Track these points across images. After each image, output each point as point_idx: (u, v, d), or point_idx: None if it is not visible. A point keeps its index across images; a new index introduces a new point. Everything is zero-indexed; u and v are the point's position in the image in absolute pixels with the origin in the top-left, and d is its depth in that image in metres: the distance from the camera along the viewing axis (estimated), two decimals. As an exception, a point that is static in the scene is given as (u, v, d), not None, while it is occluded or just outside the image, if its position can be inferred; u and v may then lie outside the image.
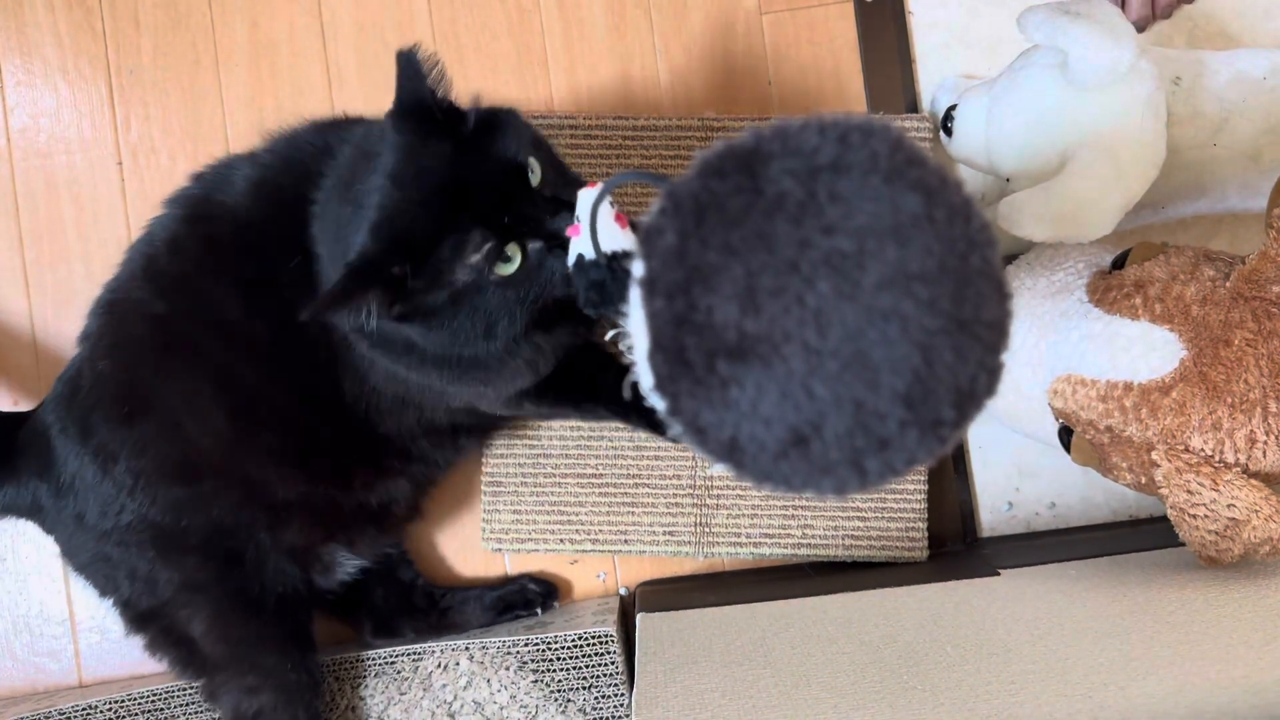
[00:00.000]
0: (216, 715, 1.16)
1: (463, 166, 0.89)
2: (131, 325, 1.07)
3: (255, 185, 1.05)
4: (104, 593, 1.13)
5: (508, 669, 1.24)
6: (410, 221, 0.87)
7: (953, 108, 1.19)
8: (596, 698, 1.22)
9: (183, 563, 1.08)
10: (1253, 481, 0.91)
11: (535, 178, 0.92)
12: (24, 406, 1.38)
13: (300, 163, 1.03)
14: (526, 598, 1.31)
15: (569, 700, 1.23)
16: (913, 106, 1.37)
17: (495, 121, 0.93)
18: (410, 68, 0.88)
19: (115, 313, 1.08)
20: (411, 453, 1.17)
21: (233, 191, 1.06)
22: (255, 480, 1.08)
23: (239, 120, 1.41)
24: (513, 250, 0.90)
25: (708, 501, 1.30)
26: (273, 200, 1.04)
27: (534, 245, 0.91)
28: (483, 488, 1.32)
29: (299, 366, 1.06)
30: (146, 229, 1.10)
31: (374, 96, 1.40)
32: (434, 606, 1.30)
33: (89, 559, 1.11)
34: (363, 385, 1.08)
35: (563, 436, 1.31)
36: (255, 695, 1.12)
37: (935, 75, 1.36)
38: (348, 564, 1.21)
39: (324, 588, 1.20)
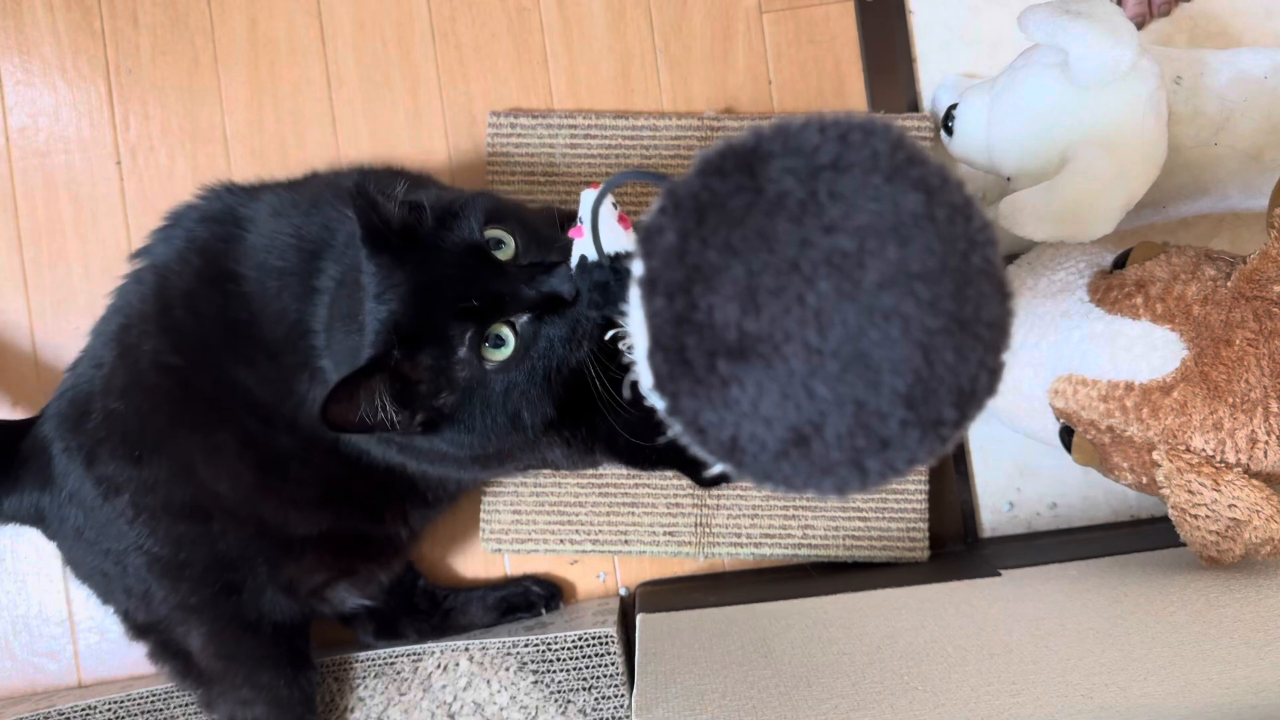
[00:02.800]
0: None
1: (428, 268, 0.88)
2: (146, 372, 1.07)
3: (263, 271, 1.05)
4: (105, 601, 1.14)
5: (507, 670, 1.24)
6: (399, 325, 0.88)
7: (953, 107, 1.19)
8: (597, 698, 1.22)
9: (178, 588, 1.09)
10: (1254, 482, 0.91)
11: (506, 250, 0.91)
12: (22, 405, 1.38)
13: (299, 261, 1.04)
14: (530, 599, 1.31)
15: (569, 701, 1.22)
16: (913, 106, 1.37)
17: (453, 210, 0.92)
18: (362, 202, 0.88)
19: (129, 355, 1.08)
20: (440, 494, 1.19)
21: (246, 265, 1.05)
22: (271, 522, 1.09)
23: (238, 119, 1.41)
24: (502, 332, 0.89)
25: (708, 502, 1.29)
26: (279, 315, 1.04)
27: (521, 320, 0.90)
28: (482, 488, 1.32)
29: (334, 443, 1.07)
30: (158, 259, 1.09)
31: (373, 95, 1.40)
32: (436, 608, 1.30)
33: (89, 571, 1.12)
34: (407, 464, 1.09)
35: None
36: (249, 707, 1.14)
37: (936, 74, 1.36)
38: (352, 602, 1.22)
39: (324, 614, 1.22)
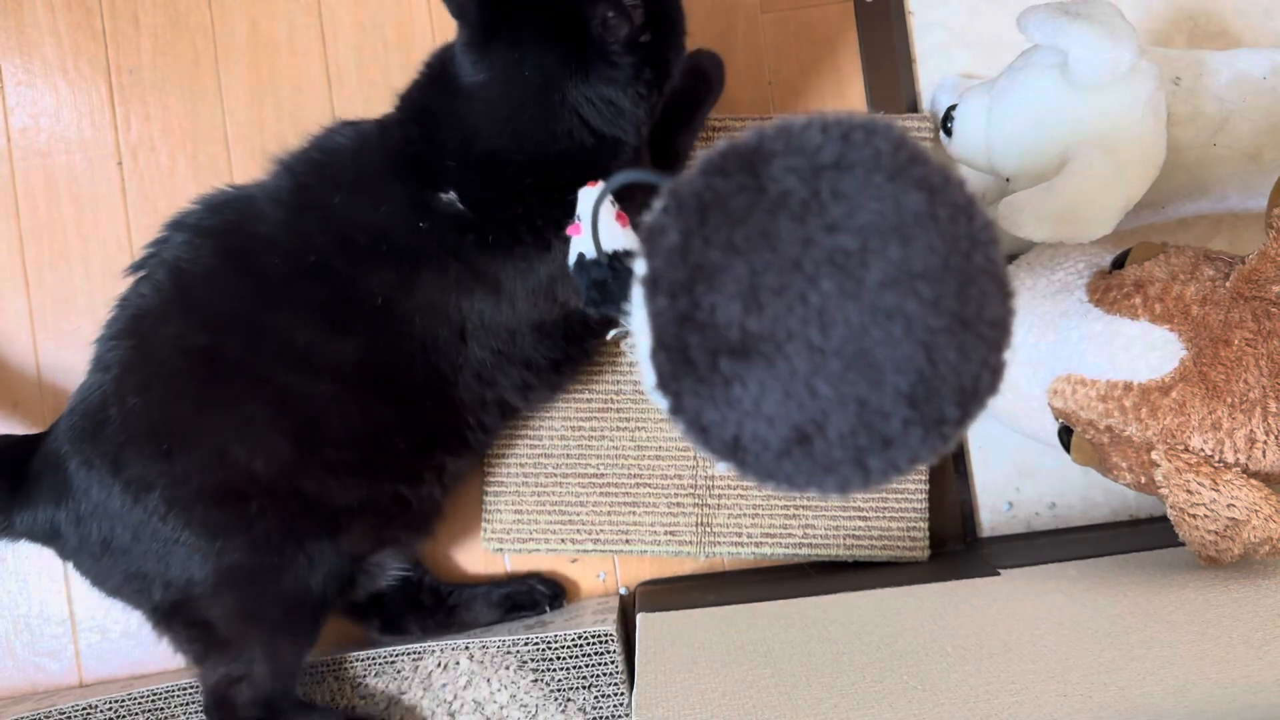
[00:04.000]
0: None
1: None
2: (166, 359, 1.06)
3: (295, 211, 1.08)
4: (138, 607, 1.13)
5: (507, 668, 1.24)
6: None
7: (953, 107, 1.19)
8: (596, 697, 1.22)
9: (214, 570, 1.07)
10: (1252, 481, 0.91)
11: None
12: (24, 406, 1.38)
13: (337, 166, 1.09)
14: (534, 597, 1.31)
15: (569, 700, 1.23)
16: (913, 106, 1.37)
17: None
18: None
19: (144, 348, 1.07)
20: (486, 423, 1.20)
21: (267, 221, 1.08)
22: (312, 494, 1.09)
23: (239, 119, 1.41)
24: None
25: (709, 501, 1.30)
26: (327, 218, 1.07)
27: None
28: (483, 488, 1.32)
29: (389, 367, 1.09)
30: (167, 256, 1.09)
31: (374, 96, 1.40)
32: (441, 604, 1.30)
33: (121, 581, 1.10)
34: (466, 345, 1.12)
35: (564, 436, 1.31)
36: (253, 665, 1.13)
37: (935, 75, 1.36)
38: (391, 572, 1.22)
39: (353, 599, 1.22)
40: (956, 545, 1.32)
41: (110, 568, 1.09)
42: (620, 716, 1.22)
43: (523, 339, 1.15)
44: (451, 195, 1.06)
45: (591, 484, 1.31)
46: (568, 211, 0.95)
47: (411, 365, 1.10)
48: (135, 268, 1.12)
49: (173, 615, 1.12)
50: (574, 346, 1.22)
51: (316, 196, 1.09)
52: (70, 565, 1.13)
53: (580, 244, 0.85)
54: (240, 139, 1.41)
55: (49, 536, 1.11)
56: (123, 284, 1.12)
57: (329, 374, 1.07)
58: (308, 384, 1.06)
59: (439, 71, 1.11)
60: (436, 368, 1.11)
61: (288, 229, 1.08)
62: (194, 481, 1.04)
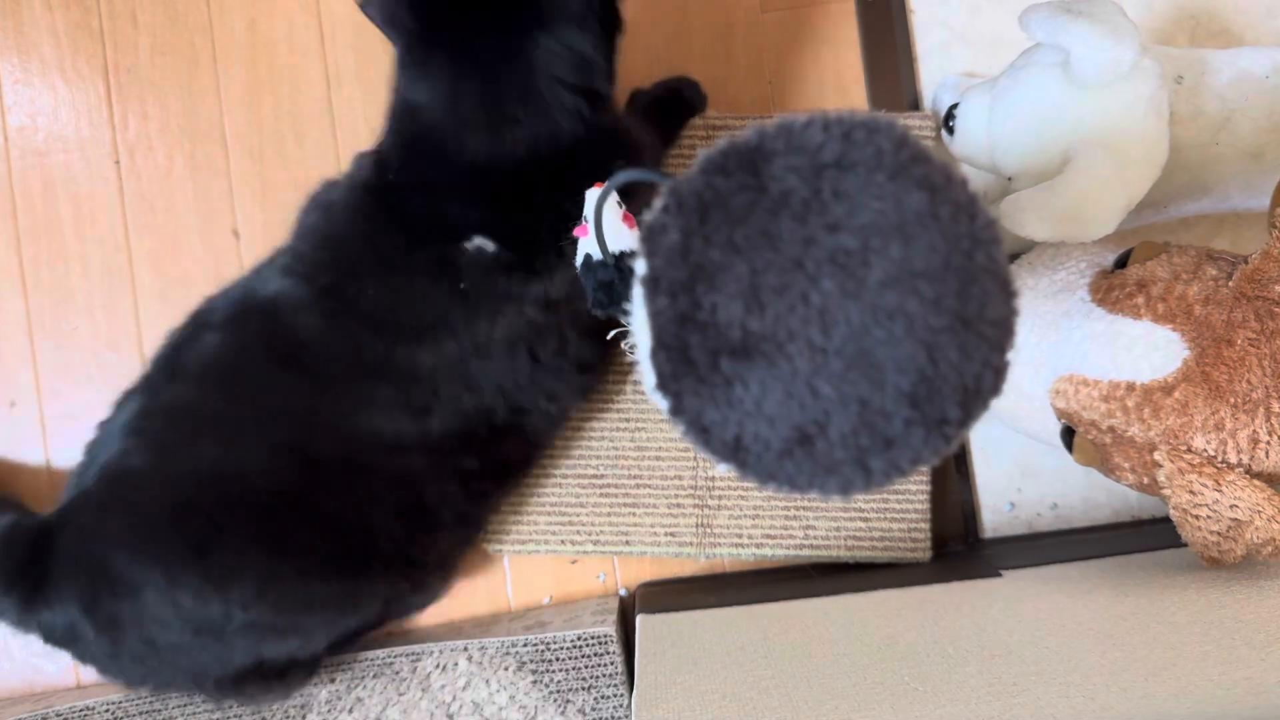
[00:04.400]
0: (217, 715, 1.16)
1: None
2: (255, 455, 1.02)
3: (328, 318, 1.03)
4: (197, 690, 1.10)
5: (506, 669, 1.24)
6: None
7: (954, 106, 1.19)
8: (596, 698, 1.22)
9: (290, 641, 1.08)
10: (1256, 482, 0.91)
11: None
12: (21, 405, 1.38)
13: (348, 256, 1.04)
14: None
15: (568, 701, 1.22)
16: (914, 105, 1.37)
17: None
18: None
19: (223, 439, 1.02)
20: (547, 444, 1.24)
21: (305, 329, 1.03)
22: (420, 553, 1.11)
23: (237, 119, 1.41)
24: None
25: (709, 502, 1.29)
26: (364, 317, 1.03)
27: None
28: (482, 488, 1.32)
29: (476, 419, 1.09)
30: (209, 356, 1.05)
31: (373, 96, 1.40)
32: None
33: (171, 675, 1.06)
34: (538, 364, 1.11)
35: (564, 437, 1.31)
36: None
37: (937, 74, 1.36)
38: None
39: None
40: (958, 546, 1.32)
41: (158, 667, 1.04)
42: (620, 718, 1.21)
43: (569, 340, 1.11)
44: (478, 241, 1.01)
45: (591, 485, 1.30)
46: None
47: (492, 413, 1.09)
48: (164, 362, 1.08)
49: (236, 682, 1.09)
50: (608, 347, 1.19)
51: (343, 299, 1.03)
52: (93, 668, 1.06)
53: (586, 245, 0.85)
54: (238, 138, 1.40)
55: (67, 641, 1.03)
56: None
57: (421, 450, 1.06)
58: (405, 462, 1.06)
59: (407, 117, 1.04)
60: (517, 404, 1.11)
61: (330, 336, 1.02)
62: (313, 554, 1.03)
